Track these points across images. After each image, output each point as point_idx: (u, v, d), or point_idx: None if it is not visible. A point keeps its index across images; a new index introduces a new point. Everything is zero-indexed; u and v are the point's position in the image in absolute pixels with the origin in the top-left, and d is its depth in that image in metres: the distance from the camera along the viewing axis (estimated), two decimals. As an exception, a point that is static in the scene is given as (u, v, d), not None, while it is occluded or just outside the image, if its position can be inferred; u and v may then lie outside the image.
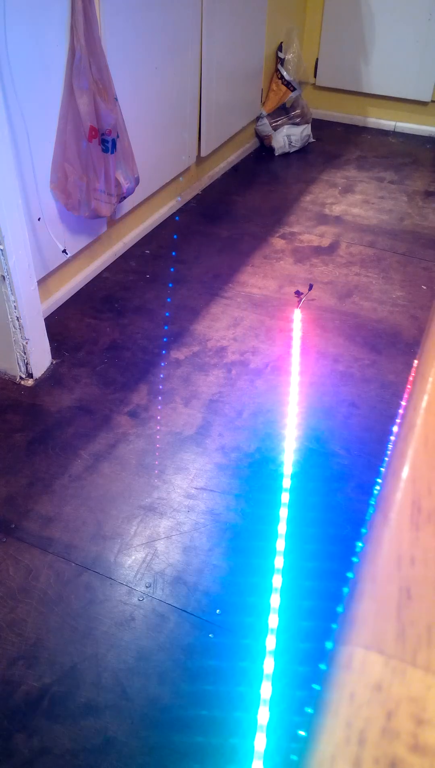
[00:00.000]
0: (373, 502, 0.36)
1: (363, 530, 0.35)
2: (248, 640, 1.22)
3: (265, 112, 3.09)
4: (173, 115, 2.34)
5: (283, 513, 1.45)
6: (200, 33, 2.35)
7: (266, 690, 1.14)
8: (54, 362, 1.84)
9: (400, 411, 0.41)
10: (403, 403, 0.42)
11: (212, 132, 2.67)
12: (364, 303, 2.13)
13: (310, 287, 2.19)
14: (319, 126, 3.41)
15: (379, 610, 0.29)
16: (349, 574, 0.33)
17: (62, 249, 1.92)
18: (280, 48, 3.07)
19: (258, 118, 3.11)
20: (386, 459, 0.38)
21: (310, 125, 3.20)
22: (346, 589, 0.32)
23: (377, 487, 0.37)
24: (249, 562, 1.35)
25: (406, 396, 0.42)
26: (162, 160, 2.37)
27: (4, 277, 1.58)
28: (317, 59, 3.39)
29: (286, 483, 1.51)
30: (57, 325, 1.98)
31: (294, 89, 3.07)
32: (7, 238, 1.53)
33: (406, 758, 0.25)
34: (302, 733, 0.27)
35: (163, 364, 1.86)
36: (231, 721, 1.10)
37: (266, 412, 1.71)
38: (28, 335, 1.70)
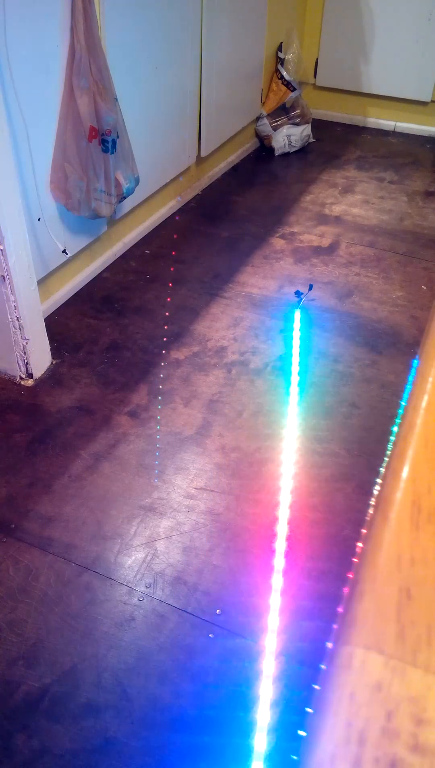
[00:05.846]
0: (373, 502, 0.36)
1: (363, 530, 0.35)
2: (248, 640, 1.22)
3: (265, 112, 3.09)
4: (173, 115, 2.34)
5: (283, 513, 1.45)
6: (200, 33, 2.35)
7: (266, 690, 1.14)
8: (54, 362, 1.84)
9: (400, 411, 0.41)
10: (403, 403, 0.42)
11: (212, 132, 2.67)
12: (364, 303, 2.13)
13: (310, 287, 2.19)
14: (319, 126, 3.41)
15: (379, 610, 0.29)
16: (349, 574, 0.33)
17: (62, 249, 1.92)
18: (280, 48, 3.07)
19: (258, 118, 3.11)
20: (386, 459, 0.38)
21: (310, 125, 3.20)
22: (346, 590, 0.32)
23: (377, 487, 0.37)
24: (249, 562, 1.35)
25: (406, 396, 0.42)
26: (162, 160, 2.37)
27: (4, 277, 1.58)
28: (317, 59, 3.39)
29: (286, 483, 1.51)
30: (57, 325, 1.98)
31: (294, 89, 3.07)
32: (7, 238, 1.53)
33: (406, 758, 0.25)
34: (302, 733, 0.27)
35: (163, 364, 1.86)
36: (231, 721, 1.10)
37: (266, 412, 1.71)
38: (28, 335, 1.70)
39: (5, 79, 1.53)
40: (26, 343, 1.71)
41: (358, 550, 0.33)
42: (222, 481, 1.52)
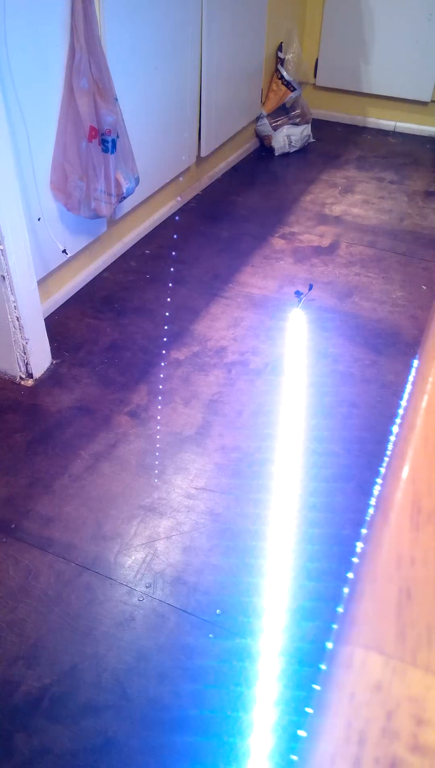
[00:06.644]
0: (373, 502, 0.36)
1: (363, 530, 0.35)
2: (248, 640, 1.22)
3: (265, 112, 3.09)
4: (173, 115, 2.34)
5: (283, 513, 1.45)
6: (200, 33, 2.35)
7: (266, 690, 1.14)
8: (54, 362, 1.84)
9: (400, 411, 0.41)
10: (403, 403, 0.42)
11: (212, 132, 2.67)
12: (364, 303, 2.13)
13: (310, 287, 2.19)
14: (319, 126, 3.41)
15: (379, 610, 0.29)
16: (349, 574, 0.33)
17: (62, 249, 1.92)
18: (280, 48, 3.07)
19: (258, 118, 3.11)
20: (386, 459, 0.38)
21: (310, 125, 3.20)
22: (346, 590, 0.32)
23: (377, 487, 0.37)
24: (249, 563, 1.35)
25: (406, 396, 0.42)
26: (162, 160, 2.37)
27: (4, 277, 1.58)
28: (317, 59, 3.39)
29: (287, 483, 1.51)
30: (57, 325, 1.98)
31: (294, 89, 3.07)
32: (7, 238, 1.53)
33: (406, 758, 0.25)
34: (302, 733, 0.27)
35: (163, 364, 1.86)
36: (231, 721, 1.10)
37: (266, 412, 1.71)
38: (28, 335, 1.70)
39: (5, 79, 1.53)
40: (26, 343, 1.71)
41: (358, 550, 0.33)
42: (222, 481, 1.52)
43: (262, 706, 1.12)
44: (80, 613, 1.25)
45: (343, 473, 1.54)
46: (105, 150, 1.80)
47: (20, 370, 1.77)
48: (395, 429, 0.40)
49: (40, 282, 1.86)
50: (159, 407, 1.71)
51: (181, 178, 2.61)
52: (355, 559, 0.33)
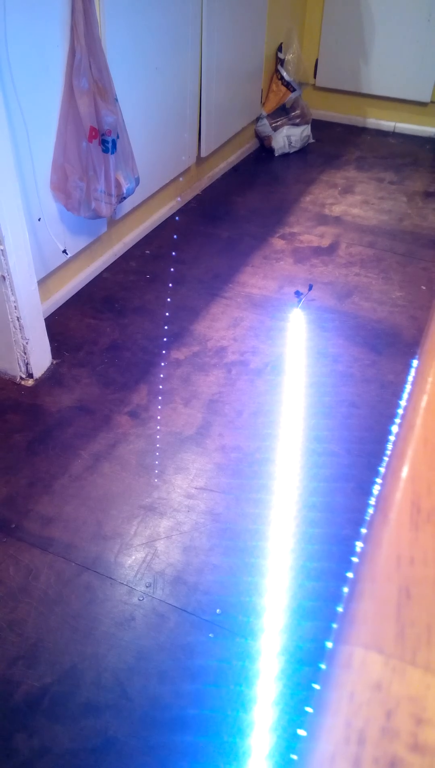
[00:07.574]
0: (372, 502, 0.36)
1: (363, 530, 0.35)
2: (248, 640, 1.22)
3: (265, 113, 3.09)
4: (173, 115, 2.34)
5: (283, 513, 1.45)
6: (200, 33, 2.35)
7: (266, 690, 1.14)
8: (54, 362, 1.84)
9: (400, 411, 0.41)
10: (403, 403, 0.42)
11: (212, 132, 2.67)
12: (364, 303, 2.13)
13: (310, 287, 2.19)
14: (319, 126, 3.41)
15: (378, 610, 0.29)
16: (349, 574, 0.33)
17: (62, 249, 1.92)
18: (280, 48, 3.07)
19: (258, 119, 3.11)
20: (386, 459, 0.38)
21: (309, 126, 3.20)
22: (345, 589, 0.32)
23: (377, 487, 0.37)
24: (249, 562, 1.35)
25: (406, 396, 0.42)
26: (162, 160, 2.37)
27: (4, 277, 1.58)
28: (317, 60, 3.39)
29: (287, 483, 1.51)
30: (57, 325, 1.98)
31: (294, 90, 3.07)
32: (7, 238, 1.53)
33: (405, 758, 0.25)
34: (302, 732, 0.27)
35: (163, 364, 1.86)
36: (231, 721, 1.11)
37: (266, 412, 1.71)
38: (28, 335, 1.70)
39: (5, 79, 1.53)
40: (26, 343, 1.71)
41: (357, 550, 0.33)
42: (222, 481, 1.52)
43: (262, 706, 1.12)
44: (80, 613, 1.25)
45: (343, 473, 1.54)
46: (105, 150, 1.80)
47: (20, 370, 1.77)
48: (395, 429, 0.40)
49: (40, 282, 1.86)
50: (159, 407, 1.71)
51: (181, 179, 2.61)
52: (354, 559, 0.33)
